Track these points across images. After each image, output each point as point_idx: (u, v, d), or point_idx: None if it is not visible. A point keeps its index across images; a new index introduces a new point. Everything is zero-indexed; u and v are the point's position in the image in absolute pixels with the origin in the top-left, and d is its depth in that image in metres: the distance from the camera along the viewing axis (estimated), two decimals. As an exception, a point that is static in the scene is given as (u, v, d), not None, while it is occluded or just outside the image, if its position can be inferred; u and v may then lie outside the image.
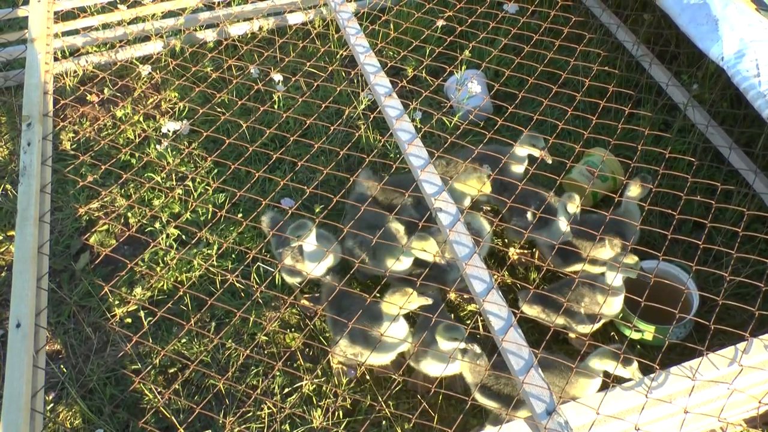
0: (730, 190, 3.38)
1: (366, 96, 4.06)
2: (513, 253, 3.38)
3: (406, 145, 2.97)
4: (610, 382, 2.44)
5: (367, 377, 3.02)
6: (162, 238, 3.50)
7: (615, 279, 2.83)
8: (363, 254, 3.06)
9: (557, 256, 3.13)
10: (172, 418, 2.92)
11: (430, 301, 2.66)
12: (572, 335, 3.07)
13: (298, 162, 3.27)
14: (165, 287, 3.35)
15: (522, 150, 3.28)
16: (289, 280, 3.22)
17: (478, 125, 3.89)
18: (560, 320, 2.97)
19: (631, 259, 2.79)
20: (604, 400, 2.25)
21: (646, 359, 2.83)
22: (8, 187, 3.82)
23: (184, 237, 3.54)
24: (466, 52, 4.10)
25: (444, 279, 3.07)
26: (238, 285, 3.31)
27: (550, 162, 3.21)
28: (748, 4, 3.22)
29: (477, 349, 2.57)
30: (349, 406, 2.96)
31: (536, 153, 3.23)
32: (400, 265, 2.95)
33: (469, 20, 3.89)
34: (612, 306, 2.90)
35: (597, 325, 2.96)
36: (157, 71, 4.32)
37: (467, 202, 3.17)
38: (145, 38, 4.51)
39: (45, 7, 3.77)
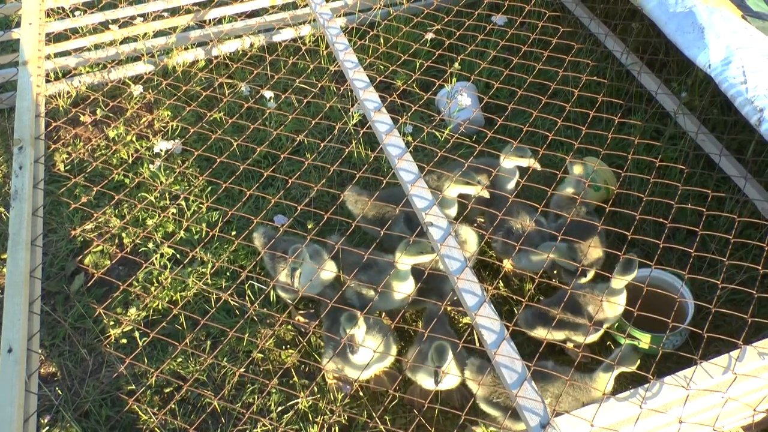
0: (721, 197, 3.39)
1: (356, 111, 4.08)
2: (507, 265, 3.37)
3: (396, 159, 2.97)
4: (603, 393, 2.43)
5: (363, 393, 3.01)
6: (156, 258, 3.50)
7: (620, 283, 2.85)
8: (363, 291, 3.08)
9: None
10: (168, 438, 2.91)
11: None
12: (569, 345, 3.06)
13: (290, 179, 3.27)
14: (160, 307, 3.35)
15: (509, 162, 3.29)
16: (283, 296, 3.22)
17: (470, 138, 3.90)
18: (561, 335, 2.97)
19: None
20: (599, 412, 2.24)
21: (642, 369, 2.83)
22: (1, 209, 3.82)
23: (178, 256, 3.54)
24: (456, 65, 4.11)
25: (442, 290, 3.07)
26: (232, 303, 3.30)
27: (539, 169, 3.24)
28: (733, 11, 3.24)
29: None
30: (345, 422, 2.95)
31: (524, 163, 3.24)
32: (400, 294, 2.96)
33: (458, 33, 3.91)
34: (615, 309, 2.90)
35: (596, 335, 2.96)
36: (149, 91, 4.34)
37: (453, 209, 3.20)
38: (136, 58, 4.53)
39: (36, 29, 3.79)
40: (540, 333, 2.99)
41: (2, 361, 2.37)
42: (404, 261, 2.84)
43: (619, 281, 2.82)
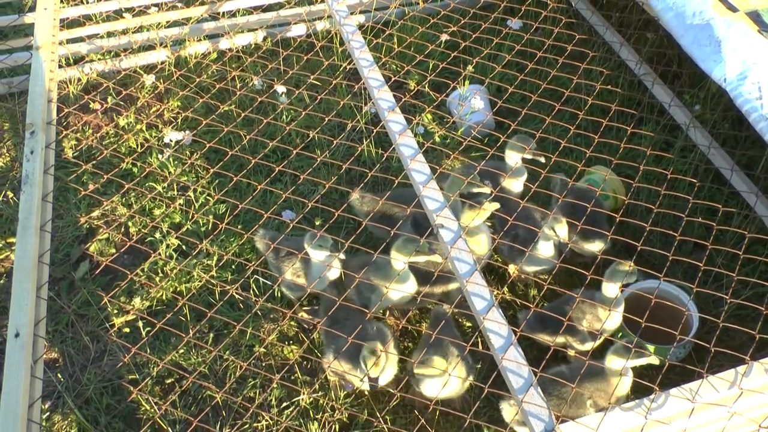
0: (731, 212, 3.39)
1: (369, 110, 4.07)
2: (513, 270, 3.37)
3: (409, 160, 2.97)
4: (609, 402, 2.43)
5: (365, 392, 3.01)
6: (162, 249, 3.49)
7: (612, 290, 2.88)
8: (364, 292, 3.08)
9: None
10: (169, 429, 2.91)
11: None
12: (571, 353, 3.07)
13: (300, 175, 3.27)
14: (164, 297, 3.35)
15: (513, 156, 3.31)
16: (289, 294, 3.22)
17: (481, 141, 3.90)
18: (561, 339, 2.98)
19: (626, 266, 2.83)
20: (603, 421, 2.24)
21: (645, 379, 2.83)
22: (9, 194, 3.82)
23: (184, 247, 3.54)
24: (469, 68, 4.11)
25: (447, 288, 3.07)
26: (237, 297, 3.30)
27: (543, 161, 3.27)
28: (750, 25, 3.24)
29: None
30: (346, 420, 2.95)
31: (527, 155, 3.29)
32: (401, 292, 2.96)
33: (473, 36, 3.91)
34: (612, 319, 2.91)
35: (597, 342, 2.96)
36: (161, 81, 4.33)
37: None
38: (149, 47, 4.53)
39: (51, 14, 3.79)
40: (541, 336, 3.00)
41: (9, 346, 2.37)
42: (398, 258, 2.84)
43: (608, 287, 2.87)
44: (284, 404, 2.99)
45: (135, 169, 3.86)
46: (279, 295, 3.31)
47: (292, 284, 3.11)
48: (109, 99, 4.28)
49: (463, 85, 4.13)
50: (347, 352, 2.77)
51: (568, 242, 3.08)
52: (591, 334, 2.92)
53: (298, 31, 4.64)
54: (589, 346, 2.95)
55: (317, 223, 3.56)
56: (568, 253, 3.25)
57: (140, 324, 3.22)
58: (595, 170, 3.65)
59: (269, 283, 3.32)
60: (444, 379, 2.65)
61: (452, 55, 3.85)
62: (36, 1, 3.85)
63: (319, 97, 3.91)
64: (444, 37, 4.28)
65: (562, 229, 2.99)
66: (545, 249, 3.09)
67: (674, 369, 3.03)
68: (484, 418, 2.92)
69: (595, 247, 3.22)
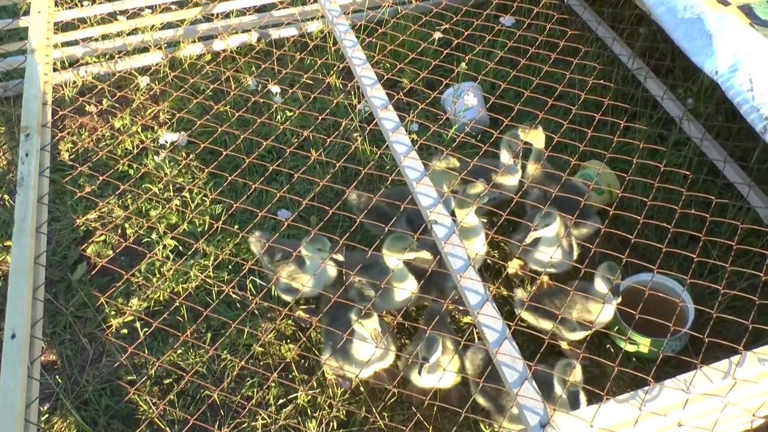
0: (725, 203, 3.40)
1: (363, 108, 4.08)
2: (510, 266, 3.38)
3: (402, 157, 2.98)
4: (604, 395, 2.44)
5: (362, 389, 3.02)
6: (159, 249, 3.51)
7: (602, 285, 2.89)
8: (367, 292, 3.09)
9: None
10: (167, 429, 2.92)
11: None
12: (566, 345, 3.08)
13: (294, 174, 3.28)
14: (161, 298, 3.36)
15: (505, 155, 3.33)
16: (285, 297, 3.22)
17: (474, 138, 3.91)
18: (548, 325, 2.98)
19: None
20: (598, 413, 2.25)
21: (641, 372, 2.84)
22: (5, 197, 3.83)
23: (180, 248, 3.55)
24: (463, 65, 4.12)
25: (443, 285, 3.08)
26: (234, 296, 3.31)
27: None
28: (741, 18, 3.25)
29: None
30: (343, 417, 2.96)
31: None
32: (403, 294, 2.97)
33: (466, 33, 3.91)
34: (604, 313, 2.92)
35: (588, 333, 2.97)
36: (156, 82, 4.34)
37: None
38: (143, 49, 4.54)
39: (45, 17, 3.80)
40: (529, 317, 3.04)
41: (6, 347, 2.38)
42: (390, 256, 2.85)
43: (600, 282, 2.87)
44: (282, 402, 3.00)
45: (131, 171, 3.87)
46: (275, 294, 3.32)
47: (288, 287, 3.10)
48: (105, 101, 4.29)
49: (457, 82, 4.14)
50: (344, 349, 2.78)
51: (561, 237, 3.09)
52: (580, 324, 2.92)
53: (291, 31, 4.65)
54: (578, 335, 2.96)
55: (312, 222, 3.57)
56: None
57: (138, 325, 3.23)
58: (589, 165, 3.66)
59: (264, 284, 3.33)
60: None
61: (445, 52, 3.85)
62: (30, 4, 3.87)
63: (313, 96, 3.92)
64: (437, 34, 4.29)
65: (550, 227, 3.00)
66: (551, 248, 3.09)
67: (670, 362, 3.04)
68: (482, 413, 2.93)
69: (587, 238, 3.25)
